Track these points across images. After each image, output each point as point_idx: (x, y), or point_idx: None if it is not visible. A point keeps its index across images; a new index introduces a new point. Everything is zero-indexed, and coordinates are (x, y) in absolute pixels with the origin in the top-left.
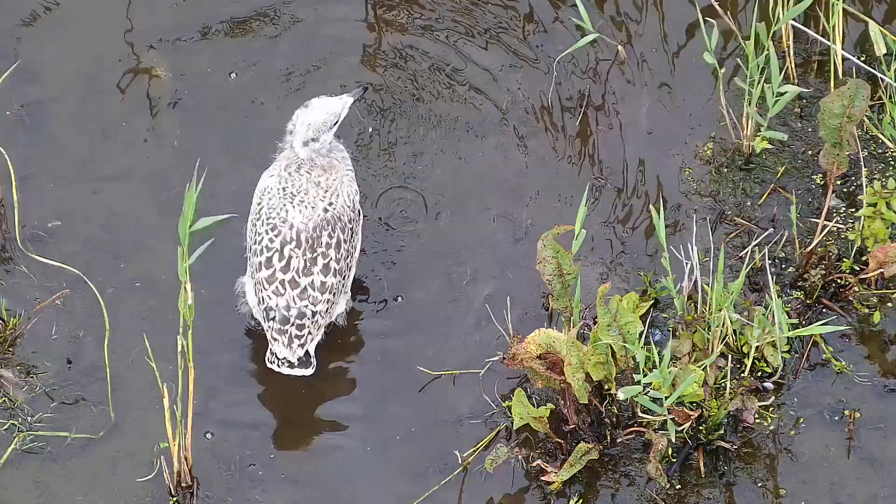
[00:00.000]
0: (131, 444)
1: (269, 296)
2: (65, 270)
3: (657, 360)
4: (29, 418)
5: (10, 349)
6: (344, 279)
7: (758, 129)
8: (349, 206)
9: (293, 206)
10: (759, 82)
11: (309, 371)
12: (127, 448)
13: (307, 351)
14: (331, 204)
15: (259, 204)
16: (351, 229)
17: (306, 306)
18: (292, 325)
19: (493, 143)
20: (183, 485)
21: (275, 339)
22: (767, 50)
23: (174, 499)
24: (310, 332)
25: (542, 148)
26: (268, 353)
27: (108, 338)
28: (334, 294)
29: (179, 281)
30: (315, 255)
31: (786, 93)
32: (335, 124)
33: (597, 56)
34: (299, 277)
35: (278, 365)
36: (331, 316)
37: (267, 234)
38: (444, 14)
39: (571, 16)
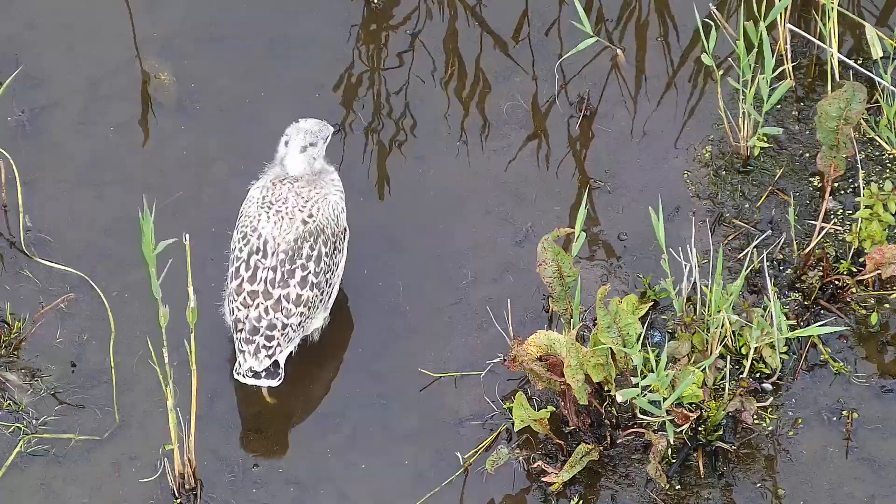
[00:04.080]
0: (135, 446)
1: (238, 307)
2: (68, 274)
3: (655, 362)
4: (34, 421)
5: (15, 353)
6: (322, 294)
7: (755, 129)
8: (333, 220)
9: (267, 218)
10: (752, 81)
11: (275, 382)
12: (131, 450)
13: (276, 361)
14: (311, 216)
15: (240, 215)
16: (334, 244)
17: (277, 318)
18: (261, 335)
19: (494, 147)
20: (187, 486)
21: (241, 351)
22: (760, 40)
23: (178, 501)
24: (279, 344)
25: (542, 151)
26: (235, 365)
27: (112, 341)
28: (309, 308)
29: (184, 291)
30: (294, 266)
31: (780, 84)
32: (326, 140)
33: (596, 59)
34: (272, 288)
35: (243, 376)
36: (305, 330)
37: (238, 241)
38: (446, 18)
39: (571, 19)
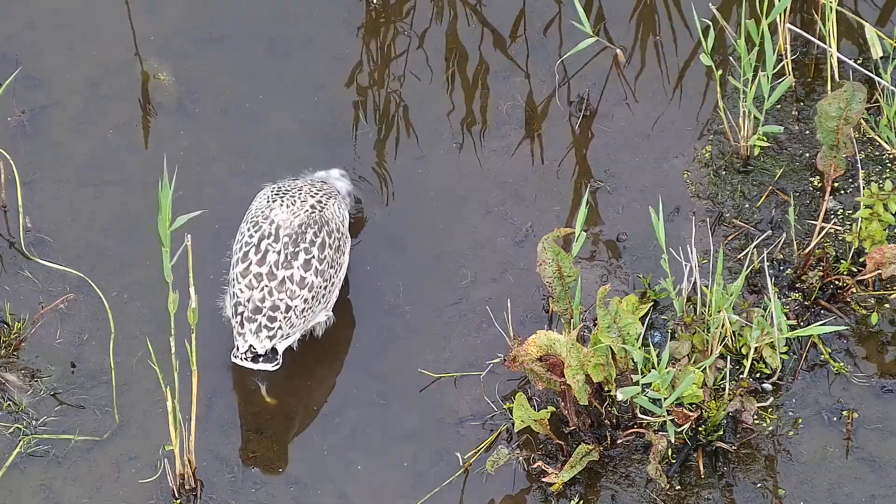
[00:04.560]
0: (135, 446)
1: (241, 289)
2: (68, 275)
3: (656, 361)
4: (34, 422)
5: (15, 353)
6: (326, 282)
7: (756, 128)
8: (338, 217)
9: (280, 204)
10: (753, 80)
11: (272, 367)
12: (131, 450)
13: (274, 347)
14: (320, 202)
15: (247, 212)
16: (338, 239)
17: (282, 299)
18: (263, 315)
19: (494, 147)
20: (186, 487)
21: (240, 333)
22: (761, 37)
23: (178, 501)
24: (280, 328)
25: (542, 151)
26: (233, 349)
27: (112, 341)
28: (313, 296)
29: (186, 283)
30: (297, 249)
31: (781, 81)
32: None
33: (596, 59)
34: (277, 270)
35: (241, 358)
36: (306, 321)
37: (248, 230)
38: (445, 18)
39: (570, 19)
